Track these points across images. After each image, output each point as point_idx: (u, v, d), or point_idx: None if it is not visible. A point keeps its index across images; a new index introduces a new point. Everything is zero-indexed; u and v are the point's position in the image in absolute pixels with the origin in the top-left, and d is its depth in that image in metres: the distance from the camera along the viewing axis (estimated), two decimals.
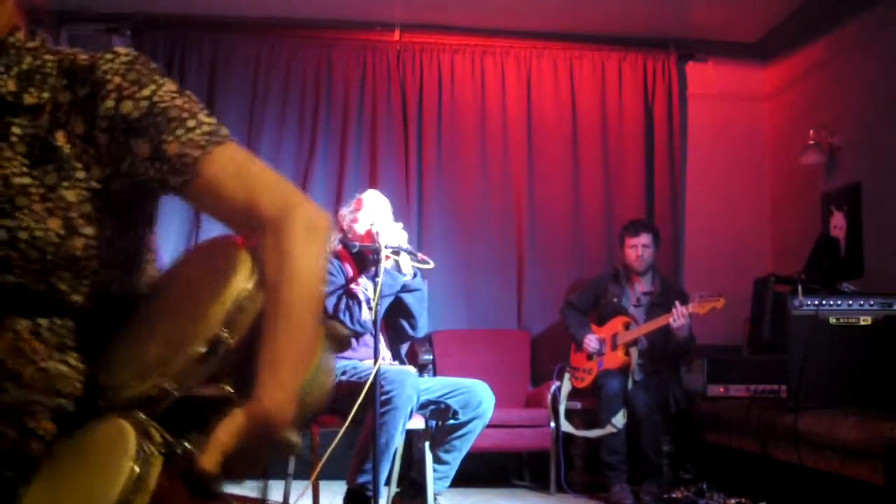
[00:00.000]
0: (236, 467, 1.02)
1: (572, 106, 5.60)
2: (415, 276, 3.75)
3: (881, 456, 3.00)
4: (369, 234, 3.65)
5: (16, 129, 1.07)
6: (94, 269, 1.08)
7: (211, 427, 1.02)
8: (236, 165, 1.10)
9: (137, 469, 0.94)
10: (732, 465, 4.40)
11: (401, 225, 3.71)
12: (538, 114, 5.58)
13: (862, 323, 3.55)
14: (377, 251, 3.46)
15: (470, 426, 3.66)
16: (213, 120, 1.11)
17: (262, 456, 1.07)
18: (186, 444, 1.01)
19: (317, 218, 1.10)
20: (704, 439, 4.68)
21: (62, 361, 1.07)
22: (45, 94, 1.08)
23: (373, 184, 5.06)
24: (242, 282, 1.05)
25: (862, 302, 3.59)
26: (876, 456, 3.03)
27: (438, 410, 3.66)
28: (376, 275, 3.41)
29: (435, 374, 4.81)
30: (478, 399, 3.65)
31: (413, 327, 3.85)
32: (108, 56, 1.10)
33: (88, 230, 1.07)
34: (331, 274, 3.67)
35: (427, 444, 3.69)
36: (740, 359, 4.80)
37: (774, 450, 3.81)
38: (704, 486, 4.24)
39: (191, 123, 1.08)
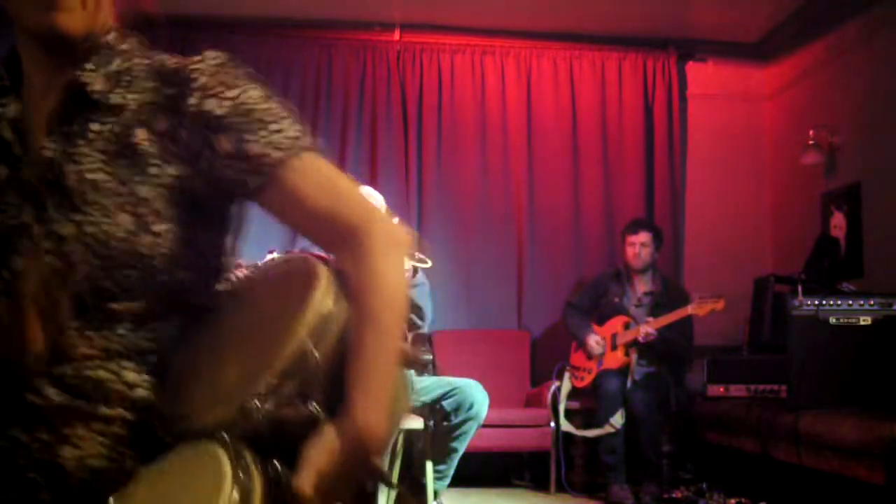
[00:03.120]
0: (329, 491, 0.95)
1: (572, 106, 5.60)
2: (415, 273, 3.75)
3: (881, 456, 3.00)
4: None
5: (94, 126, 1.06)
6: (163, 268, 1.05)
7: (298, 449, 0.95)
8: (321, 175, 1.08)
9: (238, 492, 0.88)
10: (732, 465, 4.39)
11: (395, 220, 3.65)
12: (538, 113, 5.58)
13: (862, 323, 3.55)
14: None
15: (464, 427, 3.66)
16: (299, 127, 1.09)
17: (354, 479, 1.00)
18: (277, 465, 0.93)
19: (397, 231, 1.09)
20: (704, 439, 4.68)
21: (108, 369, 1.03)
22: (131, 95, 1.08)
23: (373, 183, 5.05)
24: (323, 296, 0.99)
25: (862, 302, 3.59)
26: (876, 456, 3.03)
27: (433, 411, 3.67)
28: None
29: (435, 374, 4.81)
30: (469, 401, 3.64)
31: (421, 318, 3.85)
32: (198, 58, 1.11)
33: (159, 227, 1.04)
34: None
35: (426, 444, 3.69)
36: (740, 359, 4.79)
37: (774, 450, 3.81)
38: (704, 486, 4.24)
39: (275, 127, 1.07)
